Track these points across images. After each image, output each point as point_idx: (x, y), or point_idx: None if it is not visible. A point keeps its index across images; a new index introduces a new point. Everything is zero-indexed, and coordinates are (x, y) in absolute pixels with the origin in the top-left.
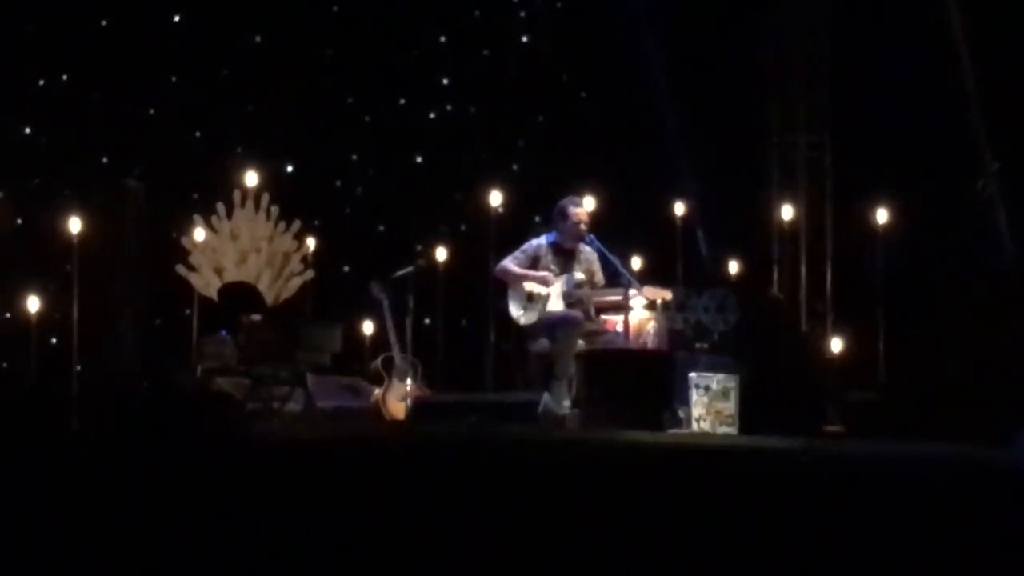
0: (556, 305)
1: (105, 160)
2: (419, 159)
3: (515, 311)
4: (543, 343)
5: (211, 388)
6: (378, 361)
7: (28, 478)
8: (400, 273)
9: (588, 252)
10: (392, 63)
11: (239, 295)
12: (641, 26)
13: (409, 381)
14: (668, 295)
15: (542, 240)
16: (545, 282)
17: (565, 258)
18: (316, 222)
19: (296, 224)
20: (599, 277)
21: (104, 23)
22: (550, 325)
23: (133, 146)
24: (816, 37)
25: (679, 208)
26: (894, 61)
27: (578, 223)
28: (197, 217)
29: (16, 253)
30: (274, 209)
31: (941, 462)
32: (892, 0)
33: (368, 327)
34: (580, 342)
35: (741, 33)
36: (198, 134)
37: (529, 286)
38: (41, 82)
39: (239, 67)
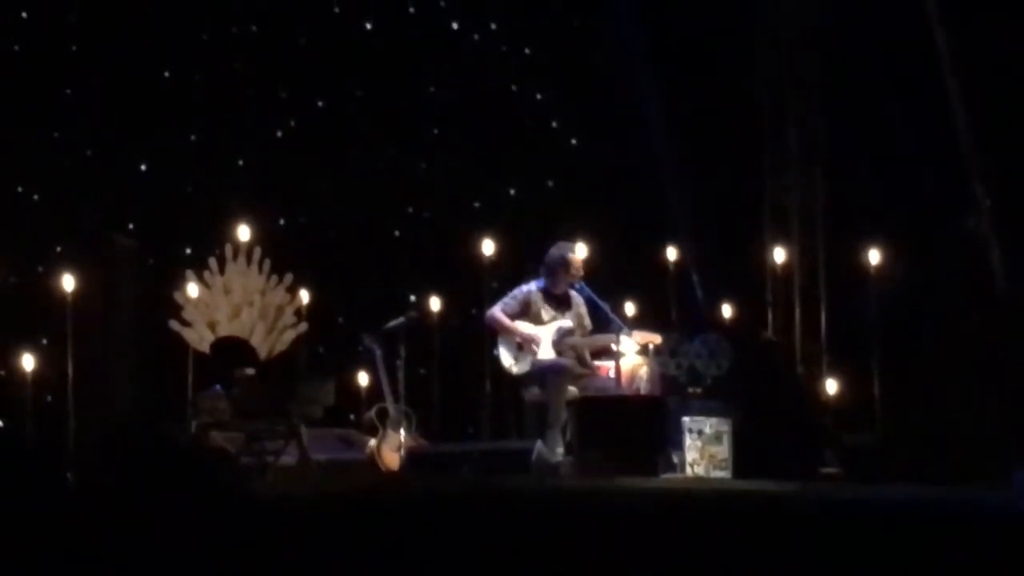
0: (547, 353)
1: (97, 217)
2: (410, 210)
3: (507, 361)
4: (534, 391)
5: (206, 443)
6: (372, 412)
7: (24, 535)
8: (393, 324)
9: (578, 298)
10: (383, 114)
11: (232, 349)
12: (632, 72)
13: (403, 432)
14: (657, 339)
15: (532, 286)
16: (534, 339)
17: (556, 303)
18: (309, 275)
19: (288, 277)
20: (588, 322)
21: (94, 79)
22: (540, 373)
23: (125, 202)
24: (808, 80)
25: (672, 253)
26: (885, 102)
27: (578, 267)
28: (190, 272)
29: (10, 311)
30: (266, 263)
31: (939, 504)
32: (883, 41)
33: (362, 379)
34: (572, 389)
35: (733, 77)
36: (189, 189)
37: (519, 338)
38: (33, 139)
39: (229, 121)
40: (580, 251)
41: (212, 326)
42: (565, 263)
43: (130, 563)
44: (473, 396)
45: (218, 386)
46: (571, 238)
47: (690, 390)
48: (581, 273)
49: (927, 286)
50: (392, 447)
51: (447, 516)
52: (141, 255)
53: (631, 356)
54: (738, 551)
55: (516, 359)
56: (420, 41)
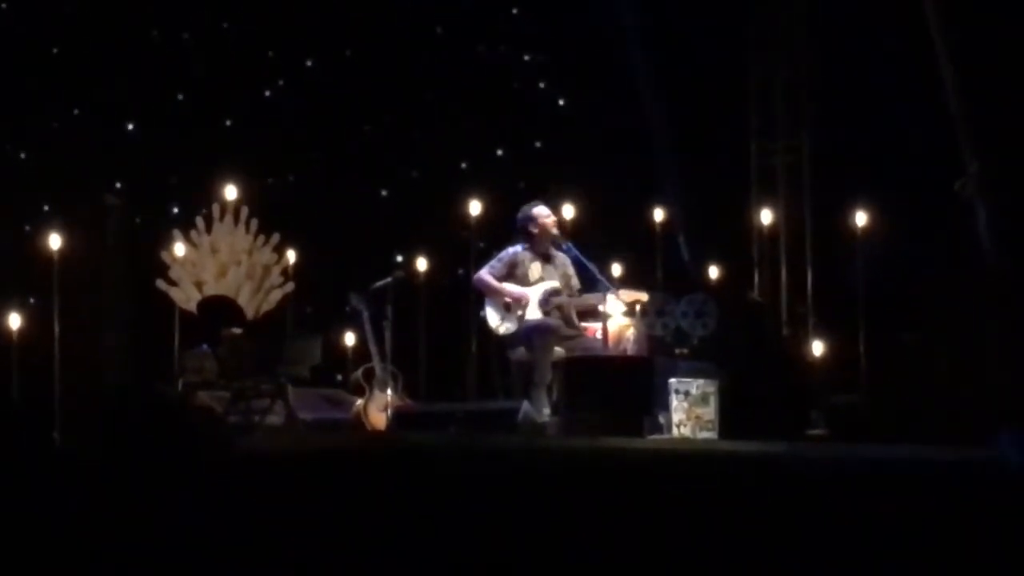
0: (534, 314)
1: (85, 176)
2: (398, 170)
3: (494, 321)
4: (521, 351)
5: (193, 402)
6: (359, 372)
7: (11, 494)
8: (379, 284)
9: (563, 257)
10: (371, 74)
11: (219, 309)
12: (621, 33)
13: (390, 392)
14: (644, 296)
15: (518, 247)
16: (522, 299)
17: (542, 262)
18: (296, 234)
19: (276, 237)
20: (575, 282)
21: (82, 38)
22: (527, 333)
23: (113, 161)
24: (795, 43)
25: (659, 214)
26: (872, 64)
27: (548, 218)
28: (177, 232)
29: None
30: (253, 222)
31: (925, 464)
32: (872, 4)
33: (349, 339)
34: (559, 349)
35: (721, 39)
36: (177, 148)
37: (507, 299)
38: (20, 98)
39: (218, 80)
40: (566, 211)
41: (199, 285)
42: (530, 220)
43: (117, 523)
44: (460, 356)
45: (205, 345)
46: (558, 199)
47: (677, 351)
48: (552, 226)
49: (913, 248)
50: (379, 407)
51: (433, 476)
52: (128, 214)
53: (618, 317)
54: (724, 512)
55: (503, 320)
56: (408, 1)
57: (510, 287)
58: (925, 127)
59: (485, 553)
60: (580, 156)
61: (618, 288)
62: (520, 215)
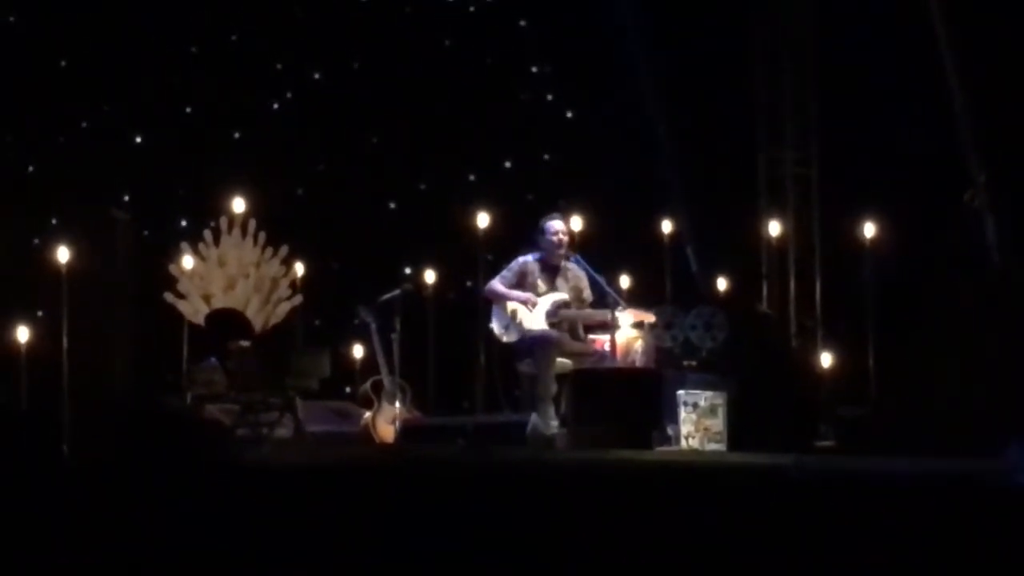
0: (539, 324)
1: (93, 189)
2: (406, 182)
3: (498, 329)
4: (529, 363)
5: (201, 415)
6: (367, 385)
7: (20, 506)
8: (387, 296)
9: (575, 269)
10: (378, 86)
11: (227, 322)
12: (628, 45)
13: (398, 404)
14: (651, 317)
15: (529, 257)
16: (529, 303)
17: (552, 274)
18: (304, 247)
19: (284, 249)
20: (587, 293)
21: (90, 51)
22: (529, 345)
23: (120, 174)
24: (803, 53)
25: (667, 226)
26: (880, 75)
27: (556, 235)
28: (185, 245)
29: (5, 283)
30: (261, 235)
31: (932, 476)
32: (879, 15)
33: (357, 351)
34: (566, 361)
35: (728, 50)
36: (185, 161)
37: (513, 306)
38: (28, 112)
39: (225, 93)
40: (574, 223)
41: (207, 298)
42: (540, 232)
43: (125, 534)
44: (468, 369)
45: (213, 358)
46: (567, 211)
47: (685, 363)
48: (561, 237)
49: (922, 259)
50: (387, 419)
51: (441, 488)
52: (136, 228)
53: (626, 329)
54: (733, 524)
55: (507, 328)
56: (416, 13)
57: (517, 292)
58: (934, 137)
59: (493, 565)
60: (588, 168)
61: (625, 306)
62: (540, 223)
